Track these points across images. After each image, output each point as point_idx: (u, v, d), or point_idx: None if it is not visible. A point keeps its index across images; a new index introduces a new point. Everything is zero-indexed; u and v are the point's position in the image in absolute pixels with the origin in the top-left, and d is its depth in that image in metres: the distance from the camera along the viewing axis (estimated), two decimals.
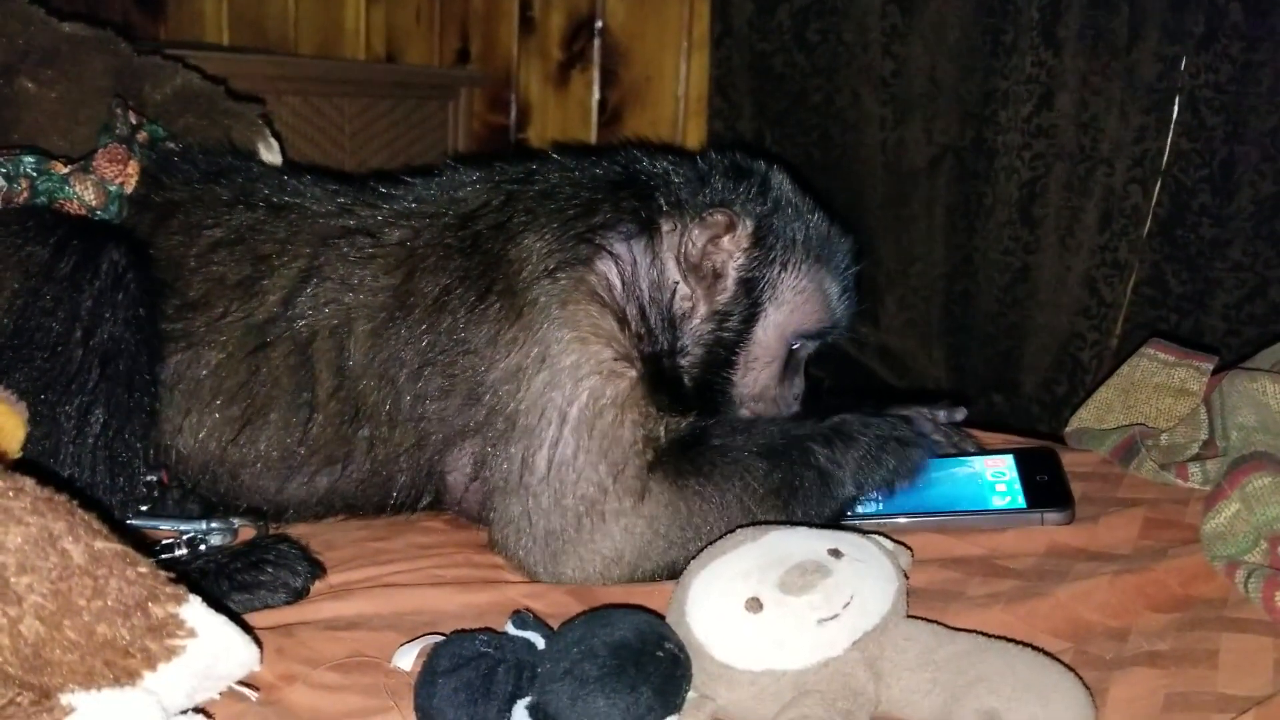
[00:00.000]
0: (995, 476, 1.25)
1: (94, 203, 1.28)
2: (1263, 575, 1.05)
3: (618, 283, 1.24)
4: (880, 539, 1.06)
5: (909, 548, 1.09)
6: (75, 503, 0.80)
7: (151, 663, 0.79)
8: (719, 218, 1.26)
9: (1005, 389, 2.11)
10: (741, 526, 1.07)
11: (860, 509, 1.24)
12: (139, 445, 1.17)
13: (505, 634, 0.97)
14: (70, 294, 1.14)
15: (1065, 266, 2.04)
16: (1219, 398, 1.26)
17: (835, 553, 1.01)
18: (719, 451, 1.21)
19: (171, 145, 1.43)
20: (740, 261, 1.28)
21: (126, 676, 0.78)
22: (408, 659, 0.99)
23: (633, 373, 1.22)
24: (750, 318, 1.29)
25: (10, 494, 0.76)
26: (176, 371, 1.24)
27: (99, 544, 0.78)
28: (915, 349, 2.19)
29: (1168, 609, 1.08)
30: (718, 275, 1.28)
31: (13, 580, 0.74)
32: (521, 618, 0.98)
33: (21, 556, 0.75)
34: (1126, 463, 1.31)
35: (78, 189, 1.28)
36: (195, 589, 0.86)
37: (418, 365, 1.23)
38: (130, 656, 0.78)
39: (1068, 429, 1.44)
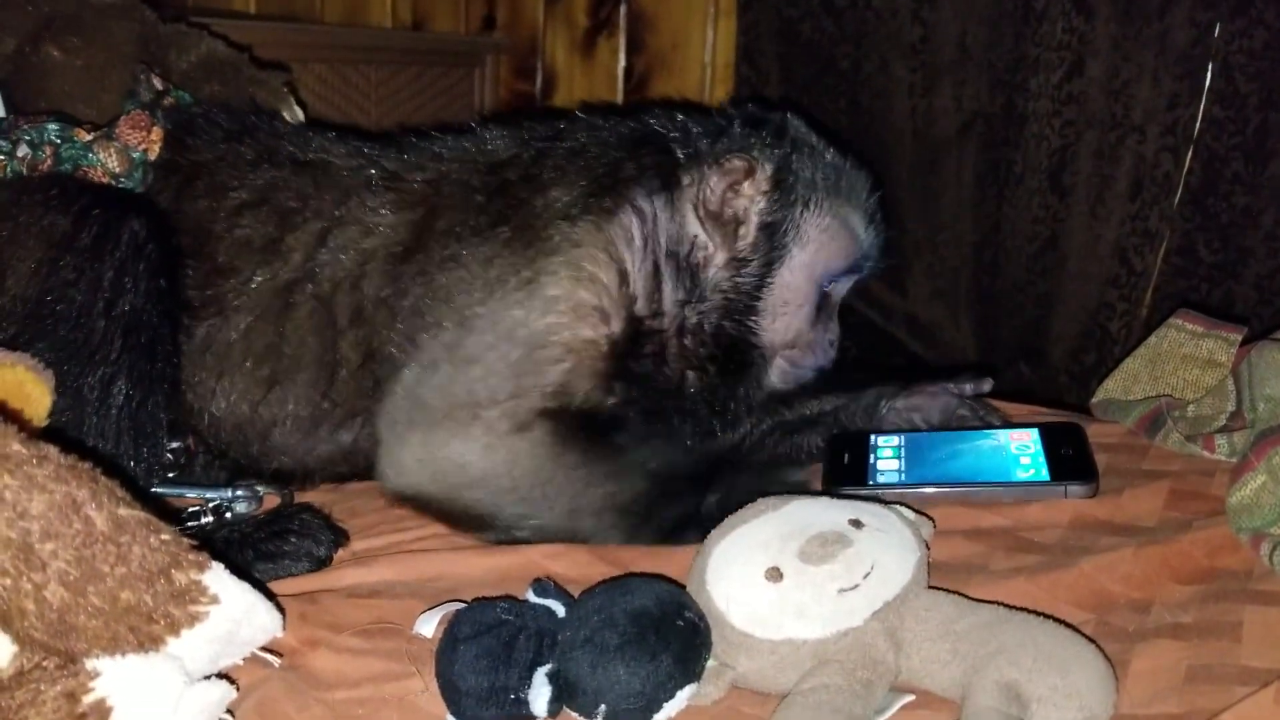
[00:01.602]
0: (1020, 450, 1.24)
1: (118, 169, 1.29)
2: None
3: (638, 236, 1.25)
4: (902, 510, 1.06)
5: (931, 519, 1.09)
6: (98, 470, 0.81)
7: (175, 629, 0.80)
8: (737, 163, 1.27)
9: (1033, 359, 2.09)
10: (763, 497, 1.07)
11: (882, 478, 1.23)
12: (162, 414, 1.18)
13: (526, 601, 0.98)
14: (91, 264, 1.15)
15: (1095, 235, 2.01)
16: (1247, 369, 1.25)
17: (856, 523, 1.00)
18: (613, 449, 1.20)
19: (195, 107, 1.43)
20: (761, 206, 1.28)
21: (150, 642, 0.79)
22: (429, 626, 1.00)
23: (605, 329, 1.22)
24: (772, 261, 1.29)
25: (34, 461, 0.77)
26: (209, 336, 1.25)
27: (122, 511, 0.79)
28: (943, 319, 2.18)
29: (1192, 581, 1.07)
30: (739, 222, 1.28)
31: (37, 547, 0.75)
32: (542, 585, 0.99)
33: (46, 523, 0.75)
34: (1153, 434, 1.30)
35: (101, 155, 1.29)
36: (219, 557, 0.87)
37: (416, 287, 1.24)
38: (154, 622, 0.79)
39: (1094, 400, 1.43)
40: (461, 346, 1.20)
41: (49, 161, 1.29)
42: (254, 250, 1.27)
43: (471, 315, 1.21)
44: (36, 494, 0.75)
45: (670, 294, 1.27)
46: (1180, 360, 1.36)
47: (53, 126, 1.31)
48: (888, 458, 1.26)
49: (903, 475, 1.23)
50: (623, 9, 2.37)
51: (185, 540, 0.83)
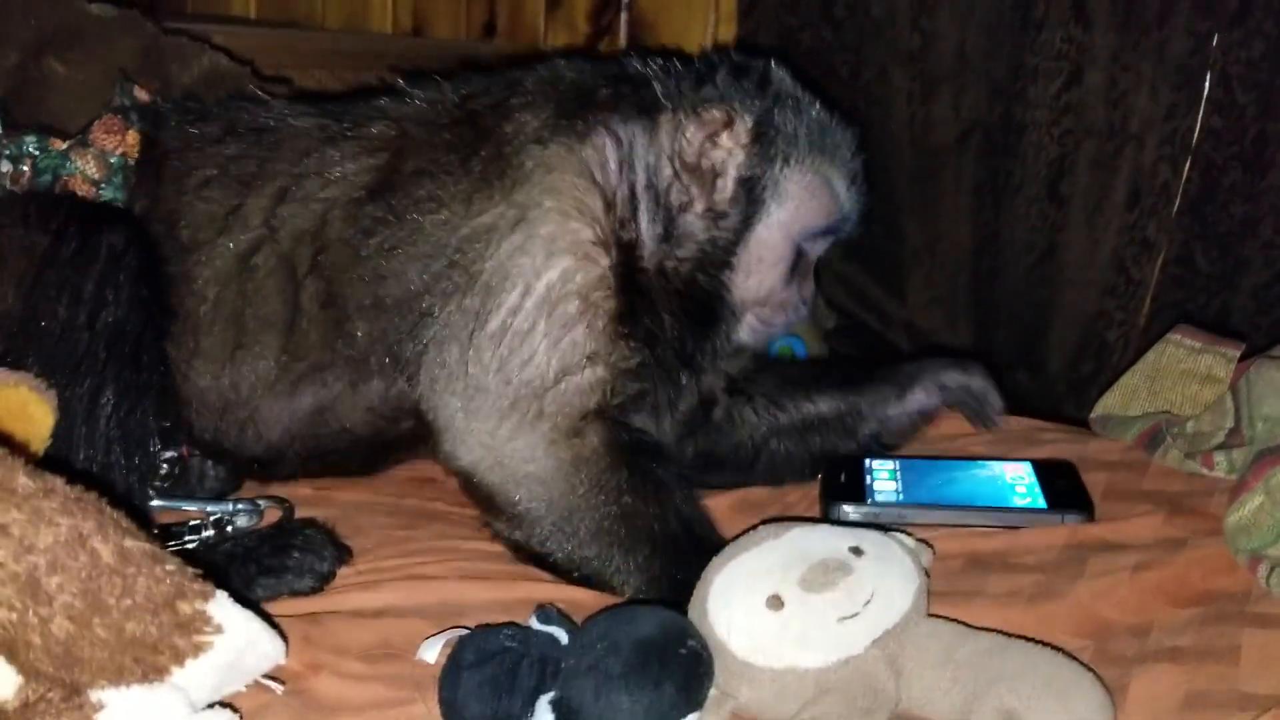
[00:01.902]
0: (1015, 480, 1.25)
1: (97, 175, 1.30)
2: None
3: (612, 160, 1.23)
4: (902, 536, 1.06)
5: (930, 546, 1.09)
6: (104, 500, 0.81)
7: (179, 659, 0.80)
8: (715, 114, 1.24)
9: (1031, 367, 2.10)
10: (764, 523, 1.07)
11: (880, 497, 1.24)
12: (152, 422, 1.18)
13: (529, 628, 0.98)
14: (72, 278, 1.15)
15: (1093, 245, 2.02)
16: (1246, 386, 1.25)
17: (857, 550, 1.01)
18: (652, 483, 1.20)
19: (159, 102, 1.43)
20: (740, 160, 1.25)
21: (155, 673, 0.80)
22: (433, 651, 1.01)
23: (605, 261, 1.21)
24: (750, 217, 1.26)
25: (41, 494, 0.77)
26: (186, 313, 1.26)
27: (128, 542, 0.79)
28: (941, 326, 2.18)
29: (1189, 603, 1.08)
30: (717, 174, 1.25)
31: (44, 580, 0.75)
32: (546, 612, 0.99)
33: (52, 556, 0.76)
34: (1152, 450, 1.31)
35: (79, 163, 1.30)
36: (221, 574, 0.88)
37: (386, 231, 1.23)
38: (159, 653, 0.79)
39: (1093, 414, 1.43)
40: (489, 314, 1.19)
41: (29, 174, 1.29)
42: (216, 221, 1.28)
43: (479, 272, 1.20)
44: (44, 527, 0.76)
45: (647, 227, 1.25)
46: (1179, 375, 1.36)
47: (30, 139, 1.31)
48: (884, 479, 1.26)
49: (901, 496, 1.23)
50: (624, 15, 2.38)
51: (190, 570, 0.83)
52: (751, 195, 1.25)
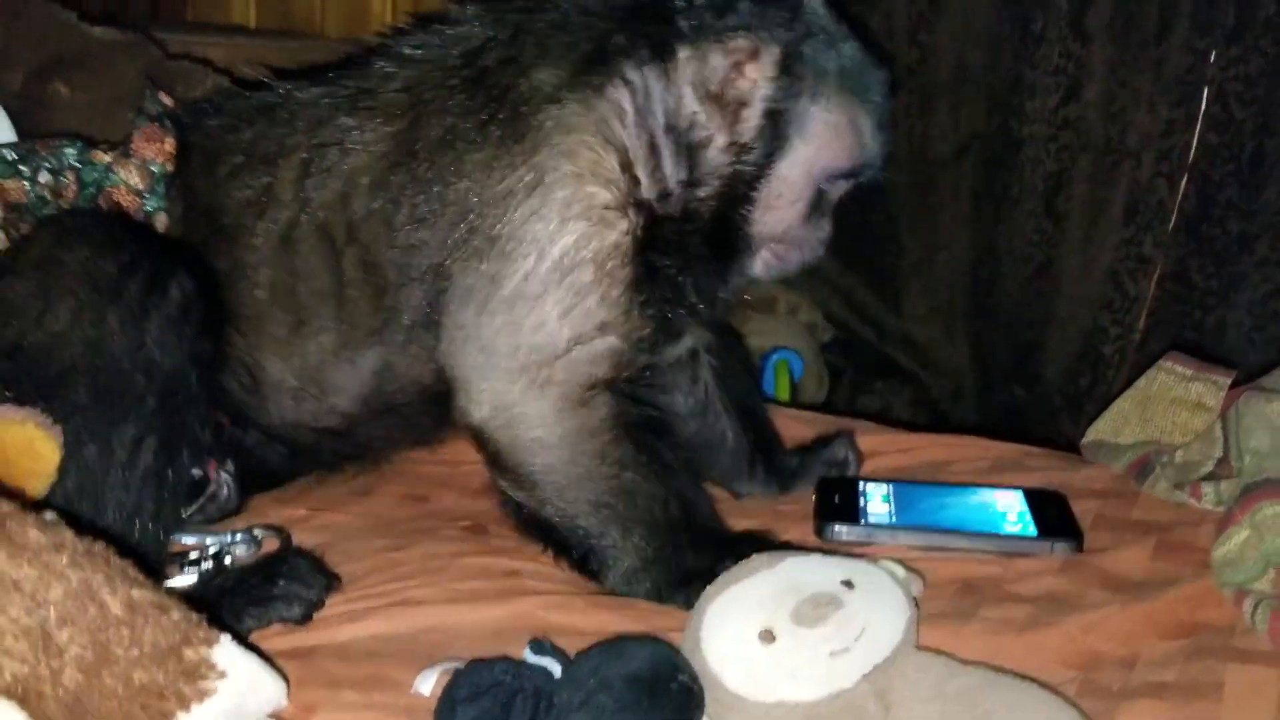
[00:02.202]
0: (1006, 507, 1.26)
1: (141, 185, 1.31)
2: (1270, 605, 1.06)
3: (630, 110, 1.21)
4: (894, 566, 1.08)
5: (922, 575, 1.11)
6: (112, 550, 0.83)
7: (185, 704, 0.82)
8: (741, 43, 1.21)
9: (1027, 381, 2.12)
10: (758, 553, 1.09)
11: (874, 519, 1.26)
12: (186, 476, 1.19)
13: (523, 662, 1.00)
14: (137, 319, 1.15)
15: (1089, 259, 2.04)
16: (1235, 416, 1.27)
17: (848, 583, 1.03)
18: (658, 464, 1.22)
19: (181, 108, 1.43)
20: (766, 91, 1.22)
21: (161, 719, 0.82)
22: (428, 684, 1.02)
23: (624, 224, 1.21)
24: (774, 151, 1.24)
25: (52, 549, 0.79)
26: (246, 304, 1.28)
27: (135, 593, 0.81)
28: (938, 338, 2.20)
29: (1176, 636, 1.09)
30: (742, 104, 1.22)
31: (55, 633, 0.77)
32: (539, 644, 1.01)
33: (62, 610, 0.78)
34: (1141, 480, 1.32)
35: (123, 174, 1.31)
36: (212, 607, 0.90)
37: (414, 202, 1.24)
38: (165, 700, 0.81)
39: (1084, 440, 1.45)
40: (504, 278, 1.20)
41: (73, 187, 1.30)
42: (252, 205, 1.29)
43: (497, 237, 1.20)
44: (54, 582, 0.78)
45: (672, 173, 1.23)
46: (1169, 403, 1.38)
47: (70, 151, 1.32)
48: (878, 501, 1.28)
49: (894, 518, 1.25)
50: None
51: (194, 615, 0.85)
52: (776, 129, 1.23)
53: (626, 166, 1.21)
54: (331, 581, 1.14)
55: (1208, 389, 1.37)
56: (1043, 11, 2.00)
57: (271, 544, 1.24)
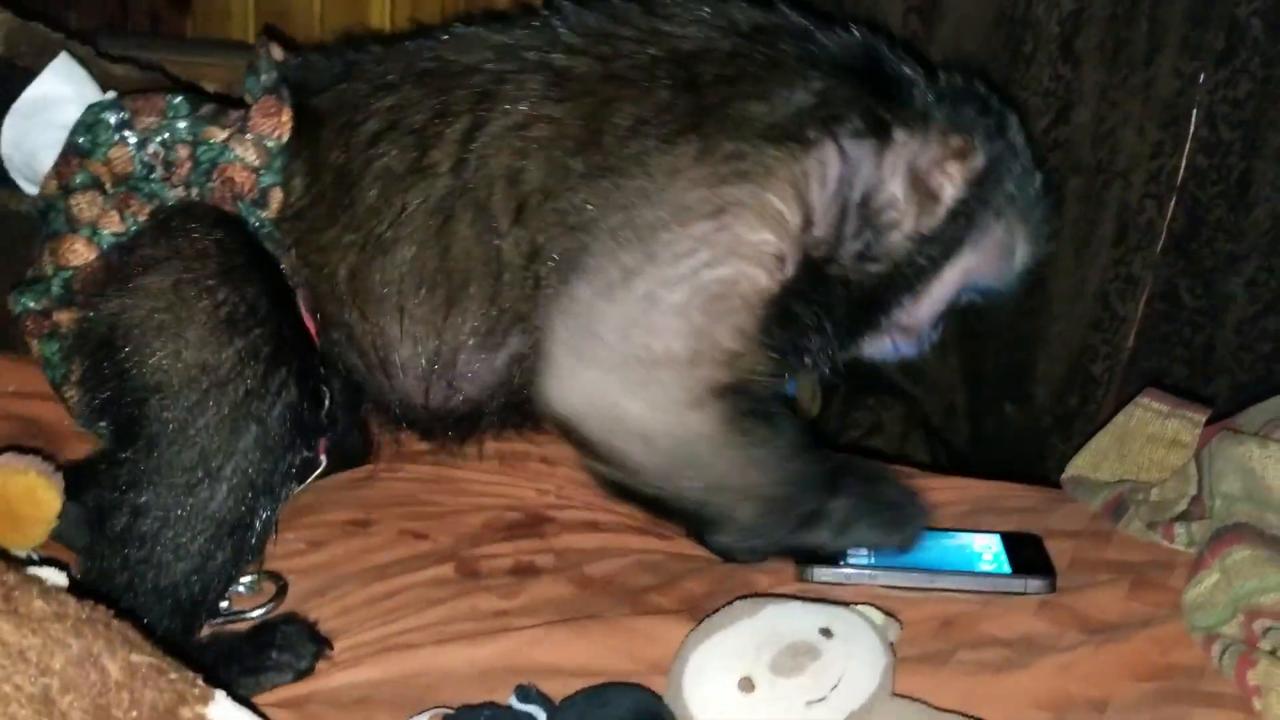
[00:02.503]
0: (983, 549, 1.30)
1: (257, 163, 1.26)
2: (1237, 650, 1.09)
3: (833, 176, 1.21)
4: (872, 612, 1.12)
5: (899, 621, 1.14)
6: (112, 614, 0.87)
7: None
8: (958, 142, 1.25)
9: (1019, 399, 2.14)
10: (740, 599, 1.12)
11: (853, 560, 1.28)
12: (237, 579, 1.21)
13: (509, 708, 1.03)
14: (235, 425, 1.14)
15: (1079, 279, 2.06)
16: (1208, 457, 1.30)
17: (826, 631, 1.06)
18: (765, 434, 1.22)
19: (291, 64, 1.36)
20: (960, 194, 1.26)
21: None
22: None
23: (780, 275, 1.21)
24: (949, 252, 1.28)
25: (54, 618, 0.82)
26: (378, 280, 1.24)
27: (134, 657, 0.84)
28: (931, 355, 2.22)
29: (1147, 678, 1.12)
30: (934, 198, 1.26)
31: (57, 700, 0.81)
32: (524, 691, 1.05)
33: (65, 677, 0.81)
34: (1116, 519, 1.35)
35: (239, 152, 1.26)
36: (213, 669, 0.93)
37: (590, 189, 1.21)
38: None
39: (1064, 475, 1.48)
40: (641, 275, 1.18)
41: (187, 164, 1.25)
42: (397, 177, 1.24)
43: (653, 238, 1.18)
44: (57, 650, 0.81)
45: (849, 245, 1.24)
46: (1146, 439, 1.41)
47: (182, 125, 1.26)
48: None
49: (872, 560, 1.28)
50: None
51: (190, 674, 0.88)
52: (957, 231, 1.27)
53: (808, 226, 1.22)
54: (322, 648, 1.15)
55: (1183, 426, 1.39)
56: (1033, 34, 2.02)
57: (269, 588, 1.26)
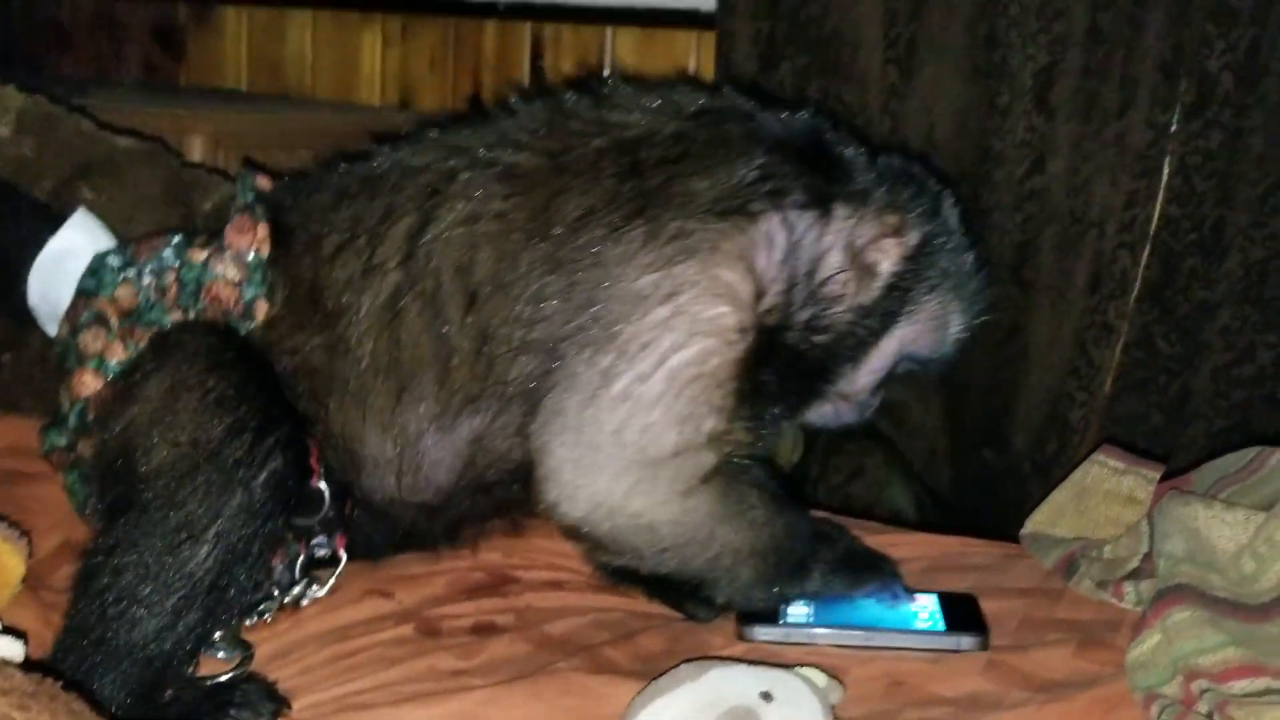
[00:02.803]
0: (920, 607, 1.32)
1: (237, 278, 1.33)
2: (1174, 711, 1.11)
3: (780, 246, 1.26)
4: (814, 674, 1.14)
5: (842, 684, 1.16)
6: (59, 685, 0.90)
7: None
8: (893, 220, 1.30)
9: (997, 445, 2.16)
10: (686, 662, 1.14)
11: (791, 619, 1.31)
12: (209, 646, 1.24)
13: None
14: (222, 491, 1.19)
15: (1056, 327, 2.08)
16: (1158, 516, 1.31)
17: (767, 695, 1.08)
18: (754, 498, 1.29)
19: (274, 186, 1.44)
20: (896, 269, 1.31)
21: None
22: None
23: (742, 346, 1.25)
24: (886, 324, 1.33)
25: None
26: (348, 380, 1.30)
27: None
28: (912, 401, 2.24)
29: None
30: (871, 272, 1.31)
31: None
32: None
33: None
34: (1068, 577, 1.37)
35: (219, 269, 1.33)
36: None
37: (542, 274, 1.26)
38: None
39: (1023, 531, 1.50)
40: (617, 375, 1.23)
41: (174, 288, 1.33)
42: (354, 282, 1.30)
43: (618, 334, 1.24)
44: None
45: (796, 315, 1.29)
46: (1103, 496, 1.42)
47: (168, 252, 1.34)
48: (797, 604, 1.33)
49: (811, 618, 1.30)
50: None
51: None
52: (893, 304, 1.32)
53: (760, 295, 1.26)
54: (281, 706, 1.17)
55: (1138, 482, 1.41)
56: (1008, 86, 2.05)
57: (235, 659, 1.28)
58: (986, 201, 2.11)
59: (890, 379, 1.41)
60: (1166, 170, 2.00)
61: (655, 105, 1.33)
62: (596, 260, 1.25)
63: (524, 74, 2.50)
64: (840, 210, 1.29)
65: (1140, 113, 1.98)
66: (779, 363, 1.29)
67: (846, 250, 1.29)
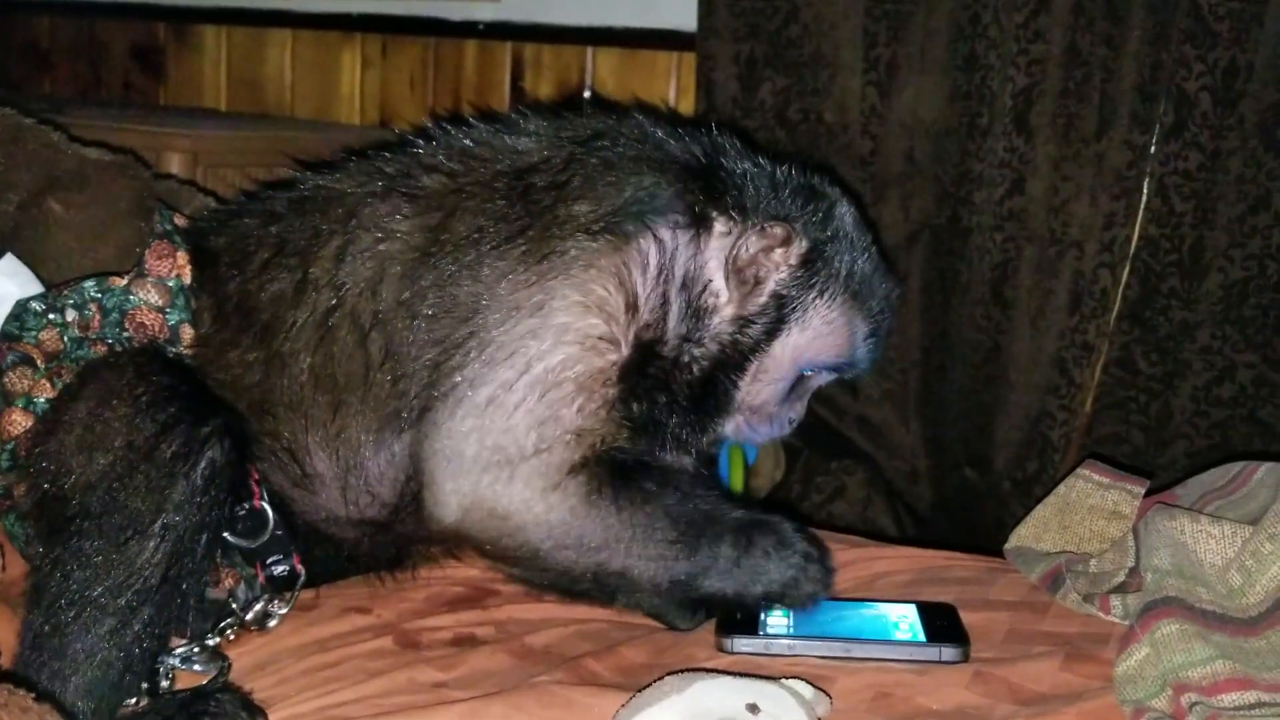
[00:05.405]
0: (899, 619, 1.31)
1: (160, 303, 1.34)
2: None
3: (653, 265, 1.28)
4: (801, 686, 1.12)
5: (829, 695, 1.15)
6: (30, 696, 0.88)
7: None
8: (777, 231, 1.30)
9: (978, 464, 2.16)
10: (671, 674, 1.13)
11: (771, 630, 1.29)
12: (164, 645, 1.22)
13: None
14: (162, 484, 1.18)
15: (1036, 346, 2.09)
16: (1143, 530, 1.31)
17: (753, 708, 1.07)
18: (644, 493, 1.29)
19: (196, 216, 1.47)
20: (782, 277, 1.31)
21: None
22: None
23: (614, 355, 1.27)
24: (772, 331, 1.33)
25: None
26: (283, 394, 1.31)
27: None
28: (893, 420, 2.24)
29: None
30: (757, 283, 1.31)
31: None
32: None
33: None
34: (1054, 591, 1.36)
35: (141, 295, 1.33)
36: None
37: (435, 292, 1.28)
38: None
39: (1007, 546, 1.49)
40: (483, 383, 1.26)
41: (97, 318, 1.33)
42: (287, 297, 1.32)
43: (488, 341, 1.26)
44: None
45: (674, 328, 1.31)
46: (1088, 511, 1.42)
47: (89, 284, 1.35)
48: (777, 615, 1.32)
49: (791, 630, 1.29)
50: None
51: None
52: (780, 312, 1.32)
53: (632, 309, 1.28)
54: (257, 716, 1.15)
55: (1123, 498, 1.41)
56: (988, 108, 2.06)
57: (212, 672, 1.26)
58: (967, 222, 2.12)
59: (801, 392, 1.40)
60: (1146, 191, 2.02)
61: (554, 132, 1.37)
62: (477, 276, 1.28)
63: (504, 94, 2.49)
64: (720, 225, 1.32)
65: (1119, 134, 2.00)
66: (664, 373, 1.31)
67: (727, 264, 1.31)
